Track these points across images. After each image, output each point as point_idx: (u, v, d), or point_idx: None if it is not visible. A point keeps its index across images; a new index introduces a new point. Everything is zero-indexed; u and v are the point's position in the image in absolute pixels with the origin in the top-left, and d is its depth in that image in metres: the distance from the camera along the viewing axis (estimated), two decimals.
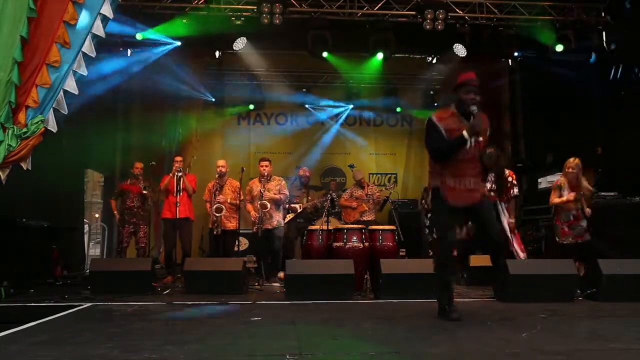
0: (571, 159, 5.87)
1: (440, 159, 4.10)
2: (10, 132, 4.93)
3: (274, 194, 6.88)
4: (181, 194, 6.97)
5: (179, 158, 7.21)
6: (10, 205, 5.97)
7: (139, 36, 8.61)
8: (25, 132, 4.98)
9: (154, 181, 7.57)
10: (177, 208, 6.91)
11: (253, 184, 7.07)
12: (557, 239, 5.93)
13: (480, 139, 3.98)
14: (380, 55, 8.92)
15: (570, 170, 5.82)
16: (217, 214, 6.89)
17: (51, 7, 5.06)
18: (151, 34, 8.60)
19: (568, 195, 5.77)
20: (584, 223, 5.77)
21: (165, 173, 7.46)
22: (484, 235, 4.15)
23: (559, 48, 8.53)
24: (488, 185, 5.63)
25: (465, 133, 3.95)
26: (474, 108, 3.98)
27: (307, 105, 11.16)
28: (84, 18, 5.11)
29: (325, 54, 8.75)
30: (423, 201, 7.17)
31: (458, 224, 4.60)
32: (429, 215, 7.47)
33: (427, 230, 8.01)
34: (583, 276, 5.36)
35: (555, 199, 5.90)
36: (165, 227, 7.14)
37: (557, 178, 6.23)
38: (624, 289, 4.94)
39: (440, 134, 4.05)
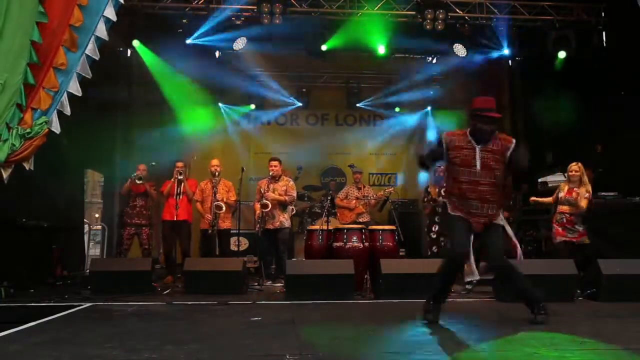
0: (573, 164, 5.92)
1: (418, 161, 4.26)
2: (14, 131, 5.02)
3: (279, 194, 6.83)
4: (181, 197, 7.03)
5: (180, 164, 7.23)
6: (10, 205, 5.97)
7: (135, 43, 8.63)
8: (29, 132, 5.06)
9: (156, 183, 7.57)
10: (177, 211, 6.97)
11: (262, 183, 7.01)
12: (553, 240, 5.94)
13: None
14: (382, 49, 8.91)
15: (573, 173, 5.86)
16: (218, 211, 6.90)
17: (58, 11, 5.13)
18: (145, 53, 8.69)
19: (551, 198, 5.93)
20: (579, 227, 5.76)
21: (166, 175, 7.45)
22: (485, 254, 4.10)
23: (562, 54, 8.54)
24: None
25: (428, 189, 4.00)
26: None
27: (305, 105, 11.14)
28: (87, 21, 5.18)
29: (324, 47, 8.75)
30: (425, 199, 7.16)
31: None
32: (435, 219, 7.35)
33: (425, 230, 7.99)
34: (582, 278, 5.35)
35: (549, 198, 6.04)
36: (164, 229, 7.19)
37: (556, 178, 6.24)
38: (624, 289, 4.94)
39: (440, 149, 4.01)
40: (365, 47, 9.06)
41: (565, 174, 6.01)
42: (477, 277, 5.94)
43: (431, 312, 3.94)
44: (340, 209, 7.77)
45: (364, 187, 7.86)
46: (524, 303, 4.02)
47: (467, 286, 5.89)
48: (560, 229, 5.80)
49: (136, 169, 7.35)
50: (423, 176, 10.28)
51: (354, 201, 7.64)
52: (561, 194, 5.85)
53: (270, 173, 6.84)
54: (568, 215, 5.77)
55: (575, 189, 5.80)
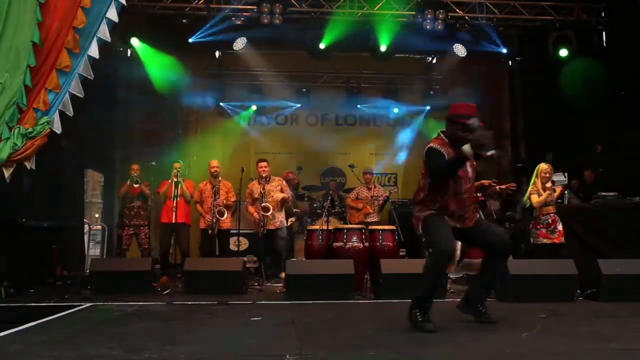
0: (544, 165, 5.95)
1: (443, 178, 3.75)
2: (16, 131, 5.04)
3: (276, 192, 6.87)
4: (178, 199, 7.04)
5: (177, 165, 7.24)
6: (10, 205, 5.98)
7: (134, 41, 8.63)
8: (31, 132, 5.08)
9: (154, 181, 7.58)
10: (175, 213, 6.98)
11: (253, 186, 7.04)
12: (532, 241, 5.93)
13: (490, 153, 3.47)
14: (382, 49, 8.90)
15: (546, 175, 5.88)
16: (220, 217, 6.90)
17: (61, 13, 5.16)
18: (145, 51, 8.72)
19: (548, 191, 5.82)
20: (559, 227, 5.82)
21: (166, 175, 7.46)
22: (486, 245, 3.98)
23: (564, 53, 8.53)
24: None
25: (466, 148, 3.52)
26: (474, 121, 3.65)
27: (304, 105, 11.12)
28: (90, 22, 5.22)
29: (322, 46, 8.75)
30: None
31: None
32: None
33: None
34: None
35: (539, 199, 5.85)
36: (162, 231, 7.23)
37: (558, 178, 6.24)
38: (624, 289, 4.94)
39: (444, 158, 3.72)
40: (365, 47, 9.06)
41: (537, 176, 5.94)
42: (459, 274, 6.00)
43: (429, 310, 3.91)
44: (351, 209, 7.86)
45: (375, 187, 7.89)
46: (476, 296, 4.05)
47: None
48: (544, 230, 5.84)
49: (130, 169, 7.39)
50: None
51: (361, 202, 7.67)
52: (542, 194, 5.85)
53: (263, 175, 6.86)
54: (553, 215, 5.84)
55: (545, 186, 5.88)
